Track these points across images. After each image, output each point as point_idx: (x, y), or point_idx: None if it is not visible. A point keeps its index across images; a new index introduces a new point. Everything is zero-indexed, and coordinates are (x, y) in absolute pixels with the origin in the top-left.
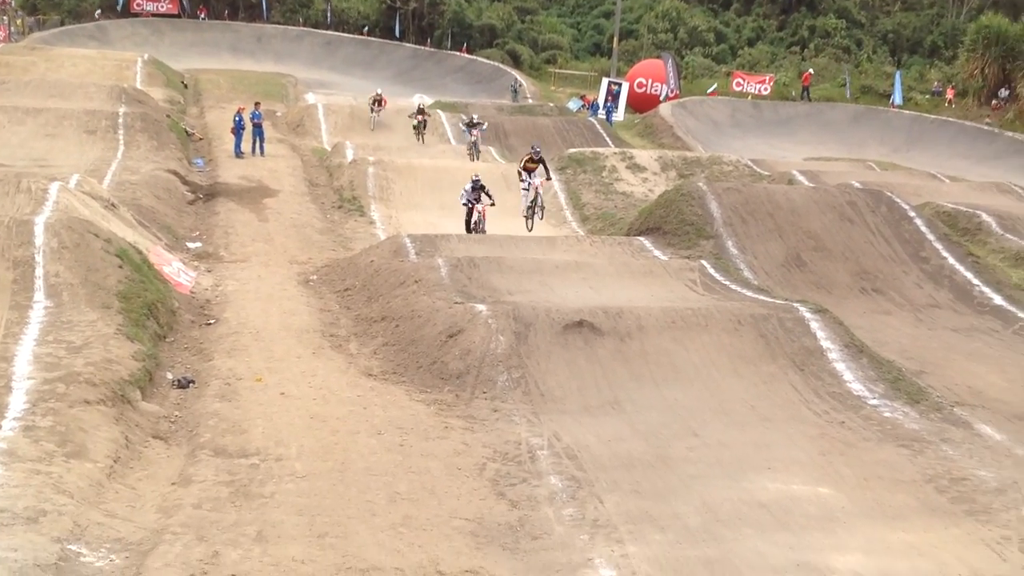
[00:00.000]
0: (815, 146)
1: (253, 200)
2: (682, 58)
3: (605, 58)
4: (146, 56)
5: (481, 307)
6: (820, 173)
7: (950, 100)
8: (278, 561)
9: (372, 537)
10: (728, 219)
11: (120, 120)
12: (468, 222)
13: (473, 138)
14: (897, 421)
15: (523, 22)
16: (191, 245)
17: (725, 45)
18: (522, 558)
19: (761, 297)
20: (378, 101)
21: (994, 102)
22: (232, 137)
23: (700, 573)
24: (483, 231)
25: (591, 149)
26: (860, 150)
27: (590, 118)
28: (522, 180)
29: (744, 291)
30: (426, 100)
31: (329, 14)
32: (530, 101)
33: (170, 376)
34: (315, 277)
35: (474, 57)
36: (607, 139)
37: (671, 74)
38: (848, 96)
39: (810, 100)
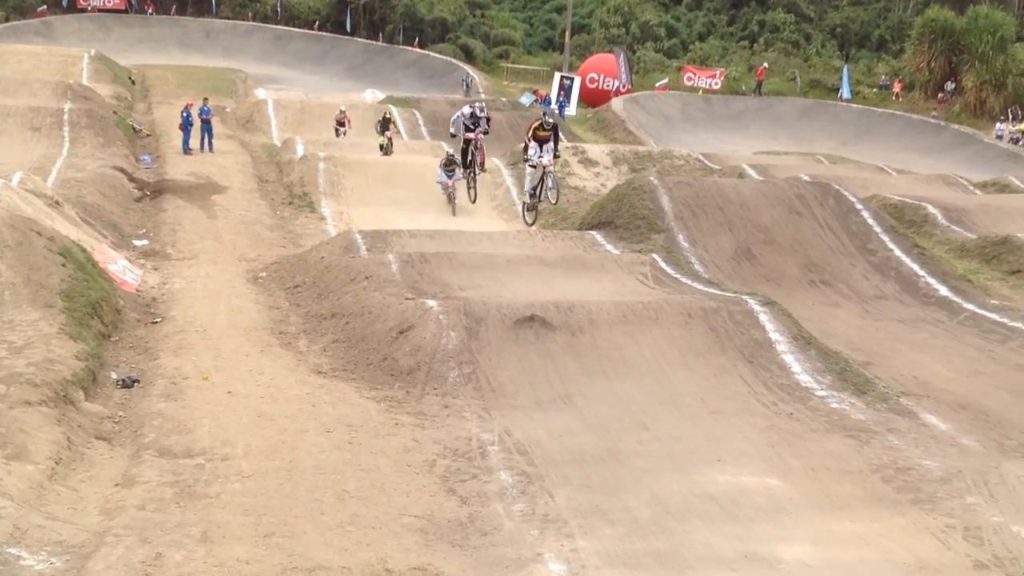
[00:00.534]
0: (765, 140)
1: (201, 197)
2: (634, 53)
3: (557, 53)
4: (93, 52)
5: (432, 303)
6: (770, 167)
7: (897, 94)
8: (223, 562)
9: (320, 536)
10: (679, 213)
11: (66, 117)
12: (465, 156)
13: (449, 189)
14: (844, 412)
15: (475, 16)
16: (137, 243)
17: (676, 40)
18: (471, 554)
19: (711, 290)
20: (342, 123)
21: (940, 95)
22: (180, 133)
23: (649, 566)
24: (482, 166)
25: None
26: (809, 144)
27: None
28: (527, 156)
29: (694, 284)
30: (378, 95)
31: (279, 9)
32: (482, 96)
33: (114, 376)
34: (264, 274)
35: (426, 52)
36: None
37: (623, 69)
38: (798, 90)
39: (761, 94)
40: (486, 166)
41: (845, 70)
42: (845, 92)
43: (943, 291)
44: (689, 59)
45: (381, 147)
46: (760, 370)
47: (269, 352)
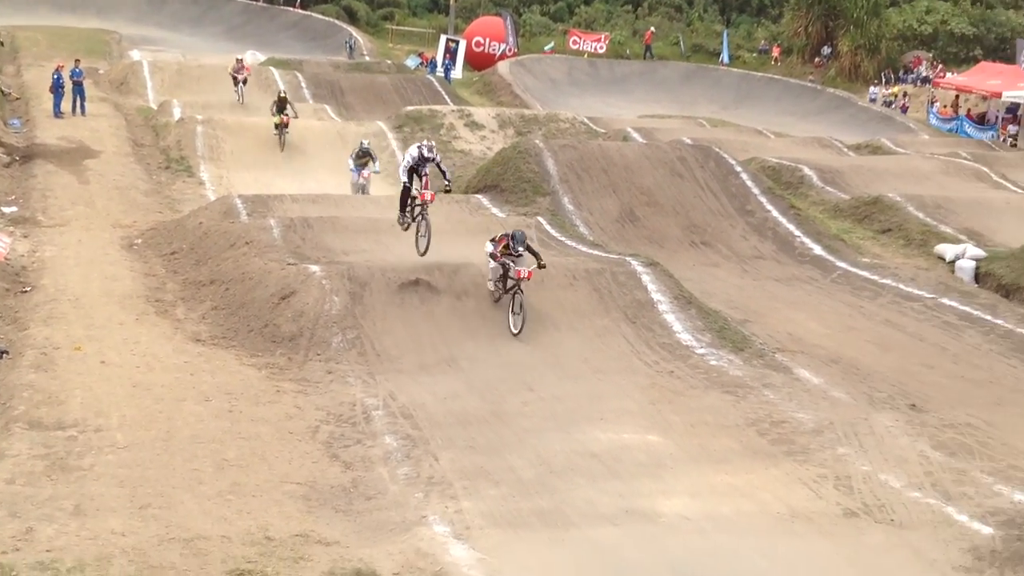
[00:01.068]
0: (649, 104)
1: (73, 162)
2: (520, 16)
3: (443, 15)
4: None
5: (315, 268)
6: (653, 130)
7: (776, 58)
8: (96, 534)
9: (198, 506)
10: (564, 176)
11: None
12: (404, 202)
13: (363, 180)
14: (722, 369)
15: None
16: (6, 210)
17: (563, 3)
18: (355, 519)
19: (595, 252)
20: (239, 71)
21: (817, 59)
22: (51, 96)
23: (533, 524)
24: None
25: (429, 107)
26: (692, 107)
27: (428, 76)
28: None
29: (579, 246)
30: (259, 57)
31: None
32: (367, 58)
33: None
34: (140, 241)
35: (308, 13)
36: (445, 97)
37: (509, 32)
38: (682, 55)
39: (652, 58)
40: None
41: (725, 35)
42: (725, 57)
43: (817, 250)
44: (575, 23)
45: (276, 127)
46: (642, 330)
47: (145, 320)
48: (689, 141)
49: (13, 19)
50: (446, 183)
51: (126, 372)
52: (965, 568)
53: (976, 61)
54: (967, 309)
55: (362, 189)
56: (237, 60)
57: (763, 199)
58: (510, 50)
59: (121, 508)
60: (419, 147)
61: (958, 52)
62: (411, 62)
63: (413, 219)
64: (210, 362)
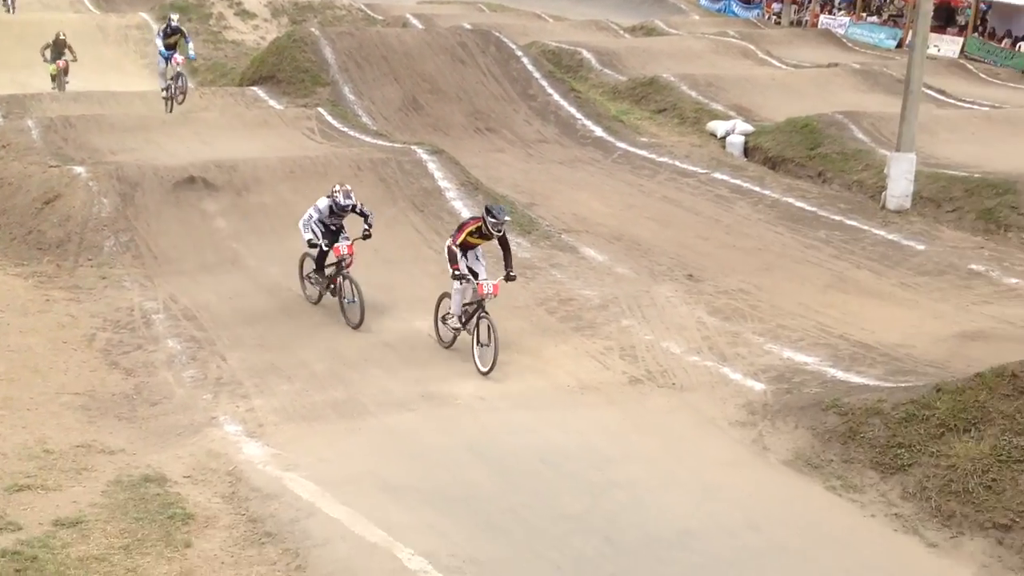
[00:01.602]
0: None
1: None
2: None
3: None
4: None
5: (80, 169)
6: (433, 16)
7: None
8: None
9: None
10: (344, 65)
11: None
12: (322, 265)
13: (176, 67)
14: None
15: None
16: None
17: None
18: (140, 426)
19: (380, 142)
20: None
21: None
22: None
23: (328, 416)
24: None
25: None
26: None
27: None
28: (455, 271)
29: (363, 137)
30: None
31: None
32: None
33: None
34: None
35: None
36: None
37: None
38: None
39: None
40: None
41: None
42: None
43: (598, 132)
44: None
45: (53, 78)
46: (431, 218)
47: None
48: (469, 26)
49: None
50: (366, 228)
51: None
52: (740, 422)
53: None
54: (737, 182)
55: (177, 80)
56: None
57: (544, 83)
58: None
59: None
60: (332, 197)
61: None
62: None
63: (329, 286)
64: None
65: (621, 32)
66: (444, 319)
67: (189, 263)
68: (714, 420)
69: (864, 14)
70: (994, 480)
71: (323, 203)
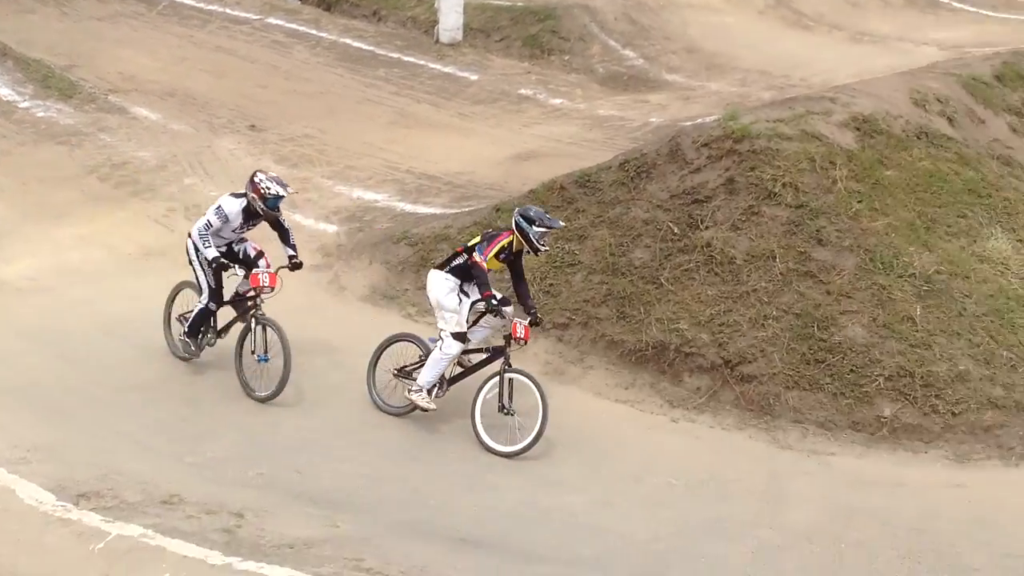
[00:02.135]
0: None
1: None
2: None
3: None
4: None
5: None
6: None
7: None
8: None
9: None
10: None
11: None
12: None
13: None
14: (52, 119)
15: None
16: None
17: None
18: None
19: None
20: None
21: None
22: None
23: None
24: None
25: None
26: None
27: None
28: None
29: None
30: None
31: None
32: None
33: None
34: None
35: None
36: None
37: None
38: None
39: None
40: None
41: None
42: None
43: None
44: None
45: None
46: None
47: None
48: None
49: None
50: (291, 253)
51: None
52: (316, 266)
53: None
54: (293, 26)
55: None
56: None
57: None
58: None
59: None
60: (254, 193)
61: None
62: None
63: (217, 333)
64: None
65: None
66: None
67: None
68: None
69: None
70: (551, 285)
71: (231, 205)
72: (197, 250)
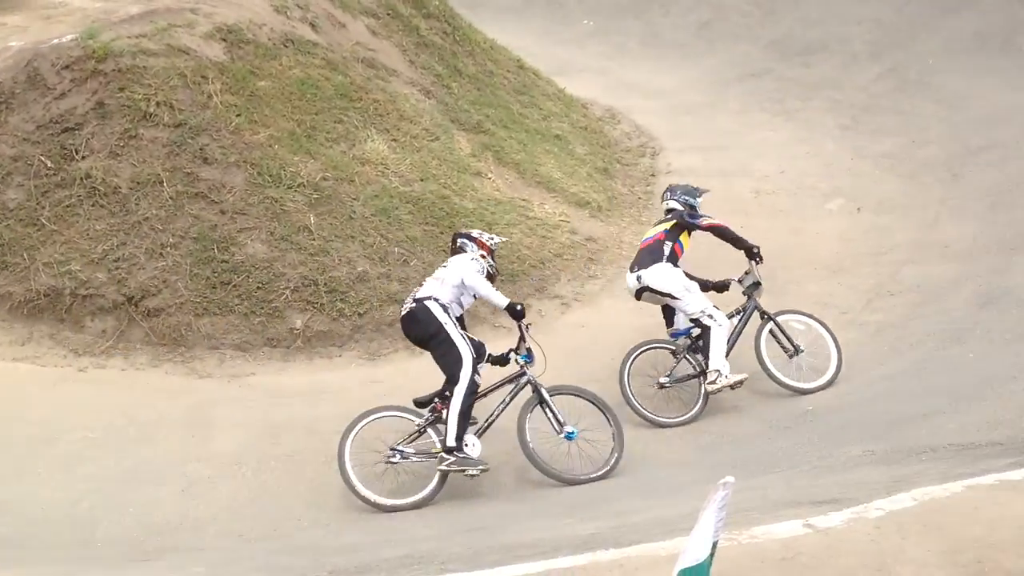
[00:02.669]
0: None
1: None
2: None
3: None
4: None
5: None
6: None
7: None
8: None
9: None
10: None
11: None
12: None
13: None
14: None
15: None
16: None
17: None
18: None
19: None
20: None
21: None
22: None
23: None
24: None
25: None
26: None
27: None
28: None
29: None
30: None
31: None
32: None
33: None
34: None
35: None
36: None
37: None
38: None
39: None
40: None
41: None
42: None
43: None
44: None
45: None
46: None
47: None
48: None
49: None
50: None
51: None
52: None
53: None
54: None
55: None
56: None
57: None
58: None
59: None
60: (485, 253)
61: None
62: None
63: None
64: None
65: None
66: None
67: None
68: None
69: None
70: None
71: (474, 270)
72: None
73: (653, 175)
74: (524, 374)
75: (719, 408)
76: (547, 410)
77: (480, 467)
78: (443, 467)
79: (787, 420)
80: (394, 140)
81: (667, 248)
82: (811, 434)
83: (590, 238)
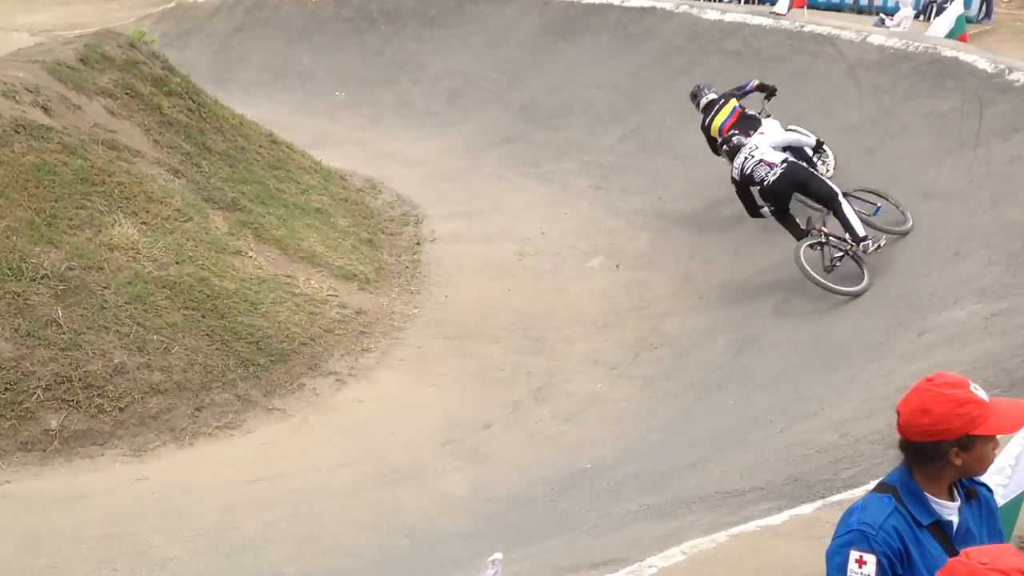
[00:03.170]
0: None
1: None
2: None
3: None
4: None
5: None
6: None
7: None
8: None
9: None
10: None
11: None
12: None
13: None
14: None
15: None
16: None
17: None
18: None
19: None
20: None
21: None
22: None
23: None
24: None
25: None
26: None
27: None
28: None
29: None
30: None
31: None
32: None
33: None
34: None
35: None
36: None
37: None
38: None
39: None
40: None
41: None
42: None
43: None
44: None
45: None
46: None
47: None
48: None
49: None
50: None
51: None
52: None
53: None
54: None
55: None
56: None
57: None
58: None
59: None
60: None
61: None
62: None
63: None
64: None
65: None
66: None
67: None
68: None
69: None
70: None
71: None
72: None
73: (419, 243)
74: None
75: (500, 472)
76: None
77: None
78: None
79: (568, 480)
80: (144, 223)
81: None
82: (591, 492)
83: (360, 311)
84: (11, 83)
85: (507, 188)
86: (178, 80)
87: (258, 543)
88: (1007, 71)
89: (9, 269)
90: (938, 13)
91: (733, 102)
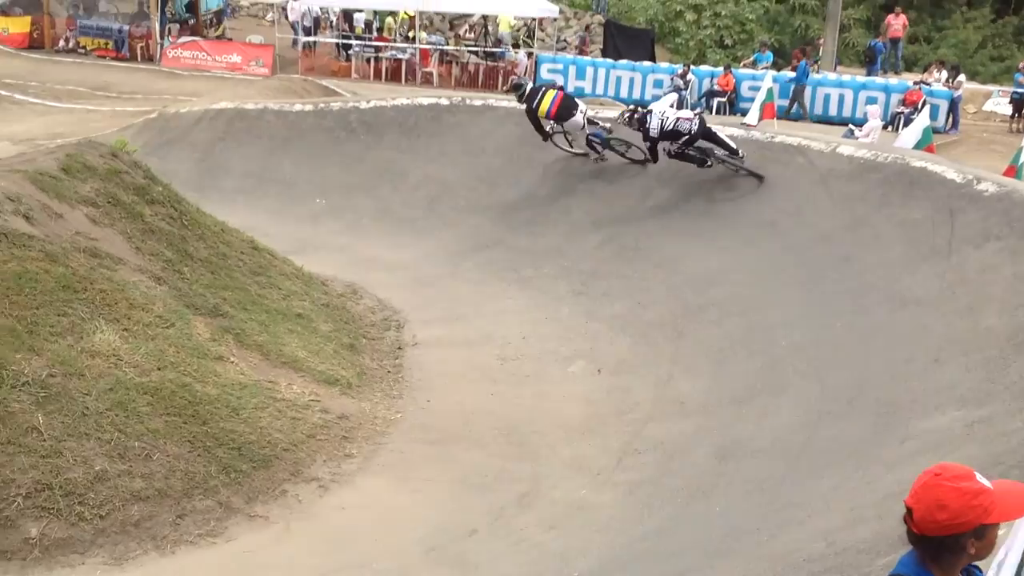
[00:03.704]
0: None
1: None
2: None
3: None
4: None
5: None
6: None
7: None
8: None
9: None
10: None
11: None
12: None
13: None
14: None
15: None
16: None
17: None
18: None
19: None
20: None
21: None
22: None
23: None
24: None
25: None
26: None
27: None
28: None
29: None
30: None
31: None
32: None
33: None
34: None
35: None
36: None
37: None
38: None
39: None
40: None
41: None
42: None
43: None
44: None
45: None
46: None
47: None
48: None
49: None
50: None
51: None
52: None
53: None
54: None
55: None
56: None
57: None
58: None
59: None
60: None
61: None
62: None
63: None
64: None
65: None
66: None
67: None
68: None
69: None
70: None
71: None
72: None
73: (400, 348)
74: None
75: None
76: None
77: None
78: None
79: None
80: (125, 330)
81: None
82: None
83: (343, 416)
84: None
85: (488, 293)
86: (160, 188)
87: None
88: (975, 181)
89: None
90: (906, 124)
91: (553, 90)
